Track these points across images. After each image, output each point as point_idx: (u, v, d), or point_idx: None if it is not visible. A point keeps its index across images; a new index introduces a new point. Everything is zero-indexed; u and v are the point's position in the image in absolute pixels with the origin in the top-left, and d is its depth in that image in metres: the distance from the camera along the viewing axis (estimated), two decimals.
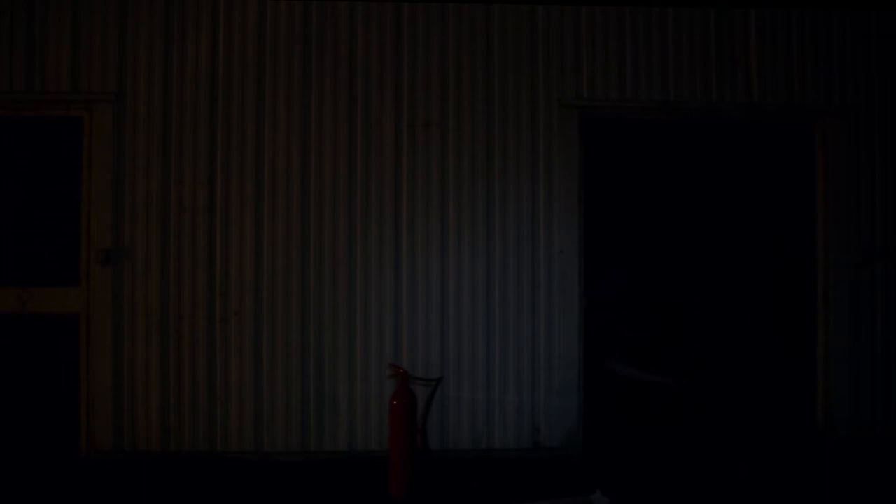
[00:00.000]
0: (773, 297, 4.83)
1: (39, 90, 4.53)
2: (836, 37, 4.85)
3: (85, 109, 4.55)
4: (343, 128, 4.64)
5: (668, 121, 4.83)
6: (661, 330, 4.67)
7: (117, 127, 4.54)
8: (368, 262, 4.60)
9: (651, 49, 4.77)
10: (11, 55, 4.53)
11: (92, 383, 4.47)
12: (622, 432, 4.53)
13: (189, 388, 4.50)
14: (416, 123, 4.66)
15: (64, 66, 4.54)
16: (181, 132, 4.57)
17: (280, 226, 4.58)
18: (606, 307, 4.70)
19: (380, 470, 3.98)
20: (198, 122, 4.58)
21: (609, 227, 4.78)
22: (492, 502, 3.76)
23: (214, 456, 4.47)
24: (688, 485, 3.93)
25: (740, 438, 4.63)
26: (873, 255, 4.77)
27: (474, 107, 4.68)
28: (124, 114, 4.55)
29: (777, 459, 4.42)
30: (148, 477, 4.18)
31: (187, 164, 4.57)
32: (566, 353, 4.58)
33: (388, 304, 4.59)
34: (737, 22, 4.82)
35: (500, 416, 4.58)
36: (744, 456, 4.43)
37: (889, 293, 4.77)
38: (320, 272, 4.58)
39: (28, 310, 4.48)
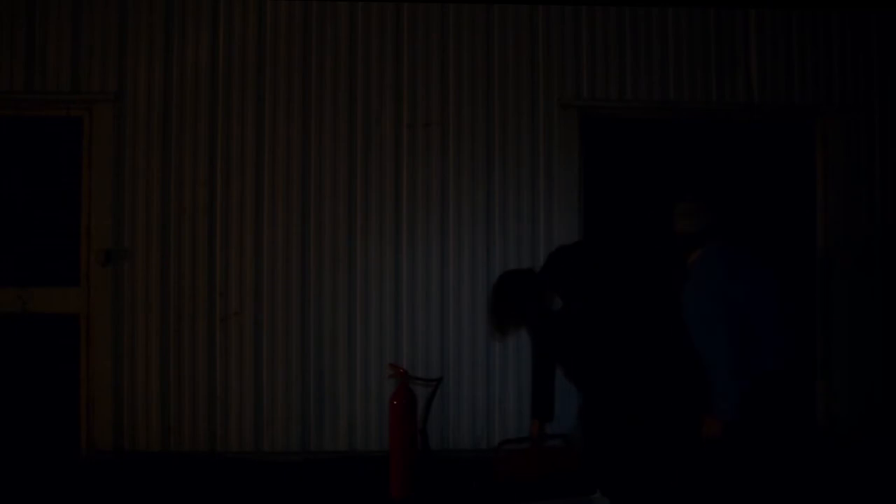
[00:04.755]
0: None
1: (39, 90, 4.53)
2: (836, 37, 4.85)
3: (85, 109, 4.55)
4: (343, 127, 4.64)
5: (668, 121, 4.83)
6: None
7: (117, 127, 4.54)
8: (368, 261, 4.60)
9: (651, 49, 4.77)
10: (11, 55, 4.53)
11: (92, 383, 4.47)
12: (622, 432, 4.52)
13: (189, 388, 4.50)
14: (416, 123, 4.66)
15: (64, 66, 4.54)
16: (181, 132, 4.57)
17: (280, 225, 4.58)
18: None
19: (380, 470, 3.98)
20: (198, 122, 4.58)
21: (609, 227, 4.78)
22: (492, 502, 3.76)
23: (214, 456, 4.47)
24: (688, 484, 3.92)
25: (740, 437, 4.62)
26: (873, 253, 4.77)
27: (474, 107, 4.69)
28: (124, 114, 4.55)
29: (778, 458, 4.41)
30: (148, 477, 4.18)
31: (187, 164, 4.57)
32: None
33: (388, 304, 4.59)
34: (737, 22, 4.82)
35: (500, 416, 4.58)
36: (744, 455, 4.42)
37: (889, 292, 4.77)
38: (320, 272, 4.58)
39: (28, 310, 4.48)
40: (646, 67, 4.76)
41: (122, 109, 4.55)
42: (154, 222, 4.54)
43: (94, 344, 4.48)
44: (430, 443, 4.07)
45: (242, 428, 4.51)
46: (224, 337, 4.53)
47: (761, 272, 3.35)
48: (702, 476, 4.01)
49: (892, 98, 4.85)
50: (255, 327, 4.55)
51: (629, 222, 4.77)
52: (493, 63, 4.70)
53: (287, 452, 4.51)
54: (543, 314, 3.74)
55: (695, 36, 4.79)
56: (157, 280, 4.52)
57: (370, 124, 4.65)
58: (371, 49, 4.67)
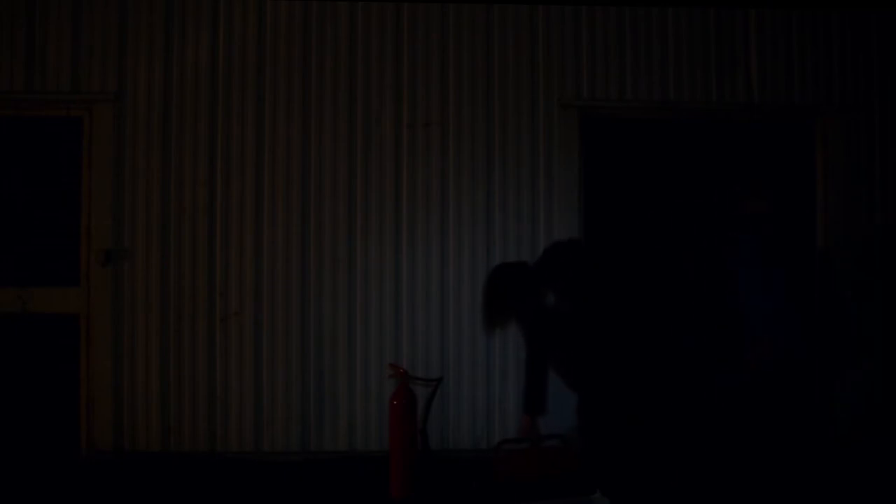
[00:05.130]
0: (774, 293, 4.81)
1: (39, 90, 4.53)
2: (836, 37, 4.85)
3: (85, 109, 4.55)
4: (343, 127, 4.64)
5: (668, 121, 4.83)
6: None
7: (117, 127, 4.54)
8: (368, 261, 4.61)
9: (651, 49, 4.77)
10: (11, 55, 4.53)
11: (92, 383, 4.47)
12: (622, 432, 4.53)
13: (189, 388, 4.50)
14: (416, 123, 4.66)
15: (64, 66, 4.54)
16: (181, 132, 4.57)
17: (280, 225, 4.59)
18: None
19: (380, 470, 3.98)
20: (198, 121, 4.58)
21: (609, 227, 4.78)
22: (492, 502, 3.76)
23: (214, 456, 4.48)
24: (689, 484, 3.93)
25: (741, 432, 4.63)
26: (873, 253, 4.78)
27: (474, 107, 4.69)
28: (124, 114, 4.55)
29: (779, 457, 4.41)
30: (148, 477, 4.18)
31: (187, 164, 4.57)
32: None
33: (388, 304, 4.59)
34: (737, 22, 4.82)
35: (500, 416, 4.59)
36: (744, 450, 4.43)
37: (889, 292, 4.77)
38: (320, 272, 4.59)
39: (28, 310, 4.48)
40: (646, 67, 4.76)
41: (122, 109, 4.55)
42: (154, 222, 4.54)
43: (94, 344, 4.48)
44: (430, 443, 4.07)
45: (242, 428, 4.51)
46: (224, 337, 4.53)
47: (769, 270, 3.60)
48: (702, 476, 4.02)
49: (892, 98, 4.85)
50: (255, 327, 4.55)
51: (629, 222, 4.77)
52: (493, 63, 4.71)
53: (287, 452, 4.51)
54: (538, 310, 3.73)
55: (695, 36, 4.80)
56: (157, 280, 4.52)
57: (370, 124, 4.65)
58: (371, 49, 4.67)
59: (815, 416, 4.77)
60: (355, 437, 4.55)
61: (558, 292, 3.71)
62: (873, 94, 4.85)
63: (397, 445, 3.80)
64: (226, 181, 4.58)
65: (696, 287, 4.77)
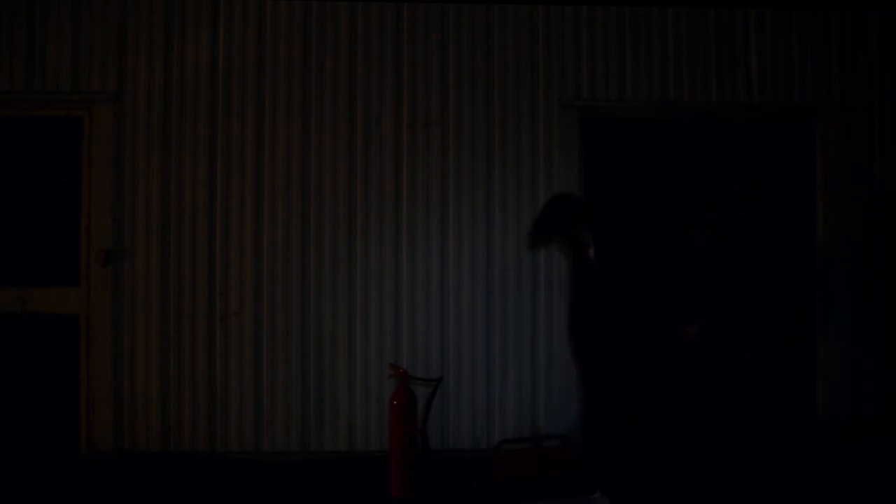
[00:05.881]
0: (774, 293, 4.82)
1: (39, 90, 4.53)
2: (836, 37, 4.85)
3: (85, 109, 4.55)
4: (343, 127, 4.64)
5: (668, 121, 4.83)
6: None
7: (117, 127, 4.54)
8: (368, 261, 4.61)
9: (651, 49, 4.77)
10: (11, 55, 4.53)
11: (92, 383, 4.47)
12: (622, 432, 4.53)
13: (189, 388, 4.50)
14: (416, 123, 4.66)
15: (64, 65, 4.54)
16: (181, 132, 4.57)
17: (280, 226, 4.59)
18: None
19: (380, 470, 3.98)
20: (198, 122, 4.58)
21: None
22: (492, 502, 3.76)
23: (214, 456, 4.47)
24: (689, 482, 3.93)
25: (741, 432, 4.63)
26: (874, 253, 4.78)
27: (474, 107, 4.69)
28: (124, 114, 4.55)
29: (778, 454, 4.42)
30: (148, 477, 4.18)
31: (187, 164, 4.57)
32: (566, 352, 4.57)
33: (388, 304, 4.59)
34: (737, 22, 4.82)
35: (500, 416, 4.58)
36: (745, 451, 4.43)
37: (889, 292, 4.77)
38: (320, 272, 4.58)
39: (28, 310, 4.48)
40: (646, 67, 4.76)
41: (122, 109, 4.55)
42: (154, 222, 4.54)
43: (94, 344, 4.48)
44: (430, 443, 4.08)
45: (242, 428, 4.51)
46: (224, 337, 4.53)
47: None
48: (701, 475, 4.02)
49: (892, 98, 4.86)
50: (255, 327, 4.55)
51: (629, 222, 4.77)
52: (493, 63, 4.70)
53: (287, 452, 4.51)
54: (581, 259, 3.73)
55: (695, 36, 4.79)
56: (157, 280, 4.52)
57: (370, 124, 4.65)
58: (371, 49, 4.67)
59: (814, 416, 4.78)
60: (355, 437, 4.55)
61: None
62: (873, 94, 4.85)
63: (397, 445, 3.80)
64: (226, 181, 4.58)
65: (696, 287, 4.78)
